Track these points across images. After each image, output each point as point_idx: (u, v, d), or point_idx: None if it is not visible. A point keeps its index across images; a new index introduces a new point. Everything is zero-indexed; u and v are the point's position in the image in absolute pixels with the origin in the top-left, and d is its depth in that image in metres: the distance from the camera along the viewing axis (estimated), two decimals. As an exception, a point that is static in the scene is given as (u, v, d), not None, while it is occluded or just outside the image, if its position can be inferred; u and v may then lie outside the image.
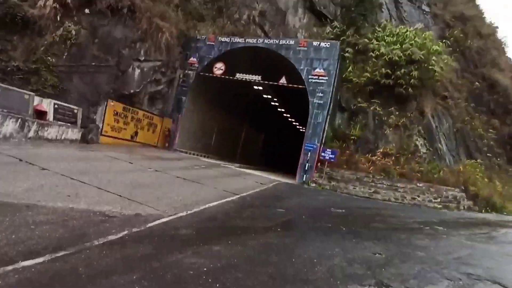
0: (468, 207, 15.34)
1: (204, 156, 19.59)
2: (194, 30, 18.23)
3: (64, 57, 12.92)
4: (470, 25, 26.36)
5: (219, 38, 17.84)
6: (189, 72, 17.94)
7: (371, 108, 17.33)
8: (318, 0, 22.08)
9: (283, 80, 16.65)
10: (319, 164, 15.34)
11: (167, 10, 16.53)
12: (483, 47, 26.67)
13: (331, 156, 14.91)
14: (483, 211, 15.71)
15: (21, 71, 12.14)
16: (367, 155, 16.16)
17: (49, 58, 12.60)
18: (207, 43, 17.83)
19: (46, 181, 5.81)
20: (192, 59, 17.93)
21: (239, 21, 20.47)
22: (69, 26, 13.07)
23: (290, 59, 16.24)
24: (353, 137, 16.73)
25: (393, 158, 15.82)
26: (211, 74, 17.62)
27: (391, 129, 16.86)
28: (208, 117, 20.95)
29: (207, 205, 6.63)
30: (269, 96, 22.71)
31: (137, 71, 15.06)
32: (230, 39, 17.68)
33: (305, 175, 15.23)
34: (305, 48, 16.08)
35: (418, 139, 16.98)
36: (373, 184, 14.84)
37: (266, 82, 17.56)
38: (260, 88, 20.26)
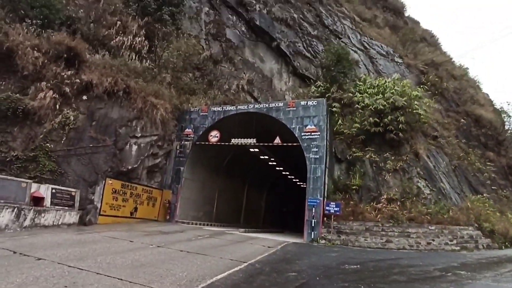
0: (487, 245, 14.60)
1: (207, 225, 18.97)
2: (187, 103, 19.21)
3: (62, 142, 13.25)
4: (442, 70, 28.38)
5: (212, 108, 18.76)
6: (186, 142, 18.42)
7: (367, 156, 17.52)
8: (300, 65, 23.92)
9: (277, 140, 17.06)
10: (325, 218, 14.89)
11: (160, 88, 17.65)
12: (459, 87, 28.35)
13: (335, 209, 14.60)
14: (503, 247, 14.92)
15: (19, 160, 12.33)
16: (371, 203, 15.84)
17: (48, 144, 12.92)
18: (201, 114, 18.68)
19: (41, 272, 5.49)
20: (188, 130, 18.56)
21: (229, 91, 21.80)
22: (67, 112, 13.68)
23: (281, 119, 16.93)
24: (354, 187, 16.58)
25: (399, 203, 15.49)
26: (207, 143, 18.07)
27: (390, 174, 16.84)
28: (208, 184, 20.85)
29: (214, 278, 6.21)
30: (266, 157, 23.00)
31: (134, 147, 15.40)
32: (222, 108, 18.59)
33: (312, 232, 14.66)
34: (294, 108, 16.89)
35: (419, 180, 16.87)
36: (383, 233, 14.26)
37: (261, 144, 17.96)
38: (257, 150, 20.63)
